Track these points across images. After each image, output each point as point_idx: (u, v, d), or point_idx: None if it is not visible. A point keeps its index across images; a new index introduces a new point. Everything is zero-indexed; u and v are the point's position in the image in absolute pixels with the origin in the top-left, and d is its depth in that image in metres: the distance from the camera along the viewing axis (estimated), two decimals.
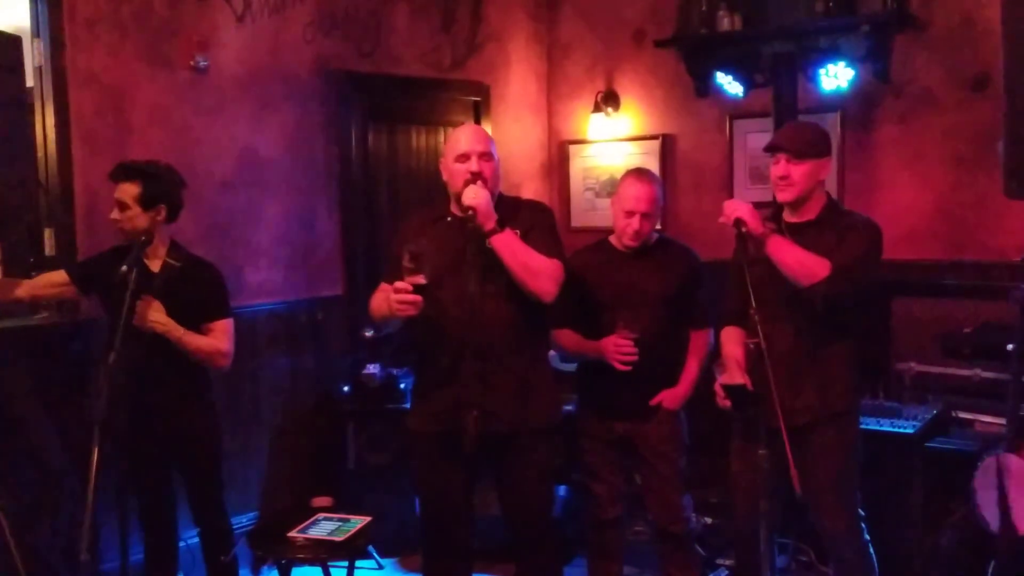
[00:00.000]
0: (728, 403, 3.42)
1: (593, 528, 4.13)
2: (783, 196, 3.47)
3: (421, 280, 3.12)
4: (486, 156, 3.37)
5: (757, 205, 3.47)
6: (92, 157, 4.39)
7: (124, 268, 3.47)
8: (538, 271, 3.29)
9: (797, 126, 3.63)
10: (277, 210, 5.20)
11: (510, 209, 3.44)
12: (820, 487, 3.45)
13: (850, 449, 3.49)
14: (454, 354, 3.29)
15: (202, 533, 4.02)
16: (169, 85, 4.69)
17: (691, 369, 4.01)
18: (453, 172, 3.39)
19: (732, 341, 3.64)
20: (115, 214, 3.78)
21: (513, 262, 3.26)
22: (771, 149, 3.52)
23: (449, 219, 3.42)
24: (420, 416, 3.51)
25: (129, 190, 3.75)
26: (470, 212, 3.21)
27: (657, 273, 3.94)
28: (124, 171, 3.79)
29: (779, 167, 3.45)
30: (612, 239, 4.05)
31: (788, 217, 3.50)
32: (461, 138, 3.43)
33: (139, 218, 3.75)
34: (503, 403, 3.32)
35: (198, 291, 3.83)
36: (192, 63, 4.74)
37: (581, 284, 3.91)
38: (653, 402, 3.94)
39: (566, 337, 3.97)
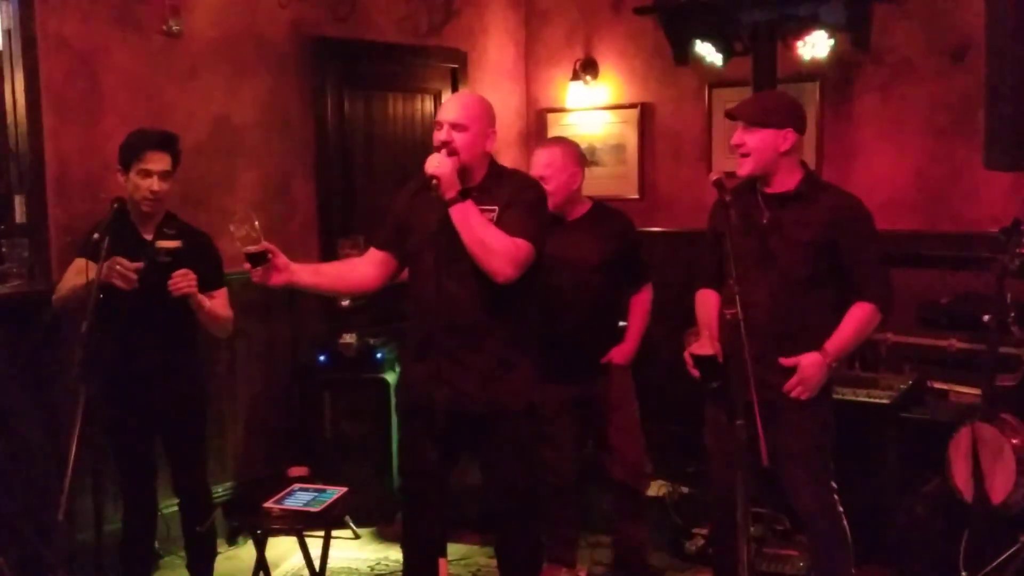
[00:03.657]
0: (697, 373, 3.42)
1: (548, 496, 4.14)
2: (740, 171, 3.44)
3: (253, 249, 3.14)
4: (458, 126, 3.28)
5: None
6: (63, 123, 4.33)
7: (96, 236, 3.41)
8: (493, 249, 3.17)
9: (758, 95, 3.62)
10: (252, 177, 5.15)
11: (492, 181, 3.36)
12: (791, 460, 3.44)
13: (821, 423, 3.48)
14: (427, 329, 3.26)
15: (183, 503, 4.00)
16: (142, 50, 4.62)
17: (635, 326, 4.28)
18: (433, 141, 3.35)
19: (706, 306, 3.64)
20: (155, 185, 3.68)
21: (468, 235, 3.16)
22: (728, 116, 3.52)
23: (432, 192, 3.38)
24: (400, 388, 3.52)
25: (165, 160, 3.71)
26: (434, 182, 3.17)
27: (591, 242, 4.08)
28: (161, 140, 3.72)
29: (735, 134, 3.44)
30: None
31: (764, 188, 3.47)
32: (441, 107, 3.42)
33: (169, 188, 3.74)
34: (477, 384, 3.28)
35: (196, 260, 3.77)
36: (165, 28, 4.67)
37: None
38: (604, 360, 4.17)
39: None
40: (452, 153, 3.24)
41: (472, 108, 3.37)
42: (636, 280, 4.29)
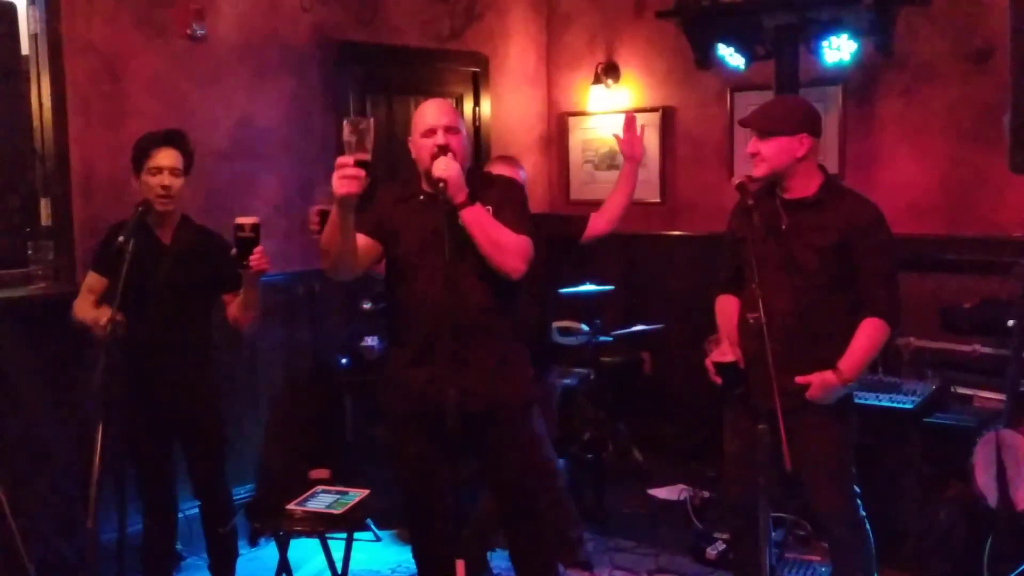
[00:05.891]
0: (719, 380, 3.42)
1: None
2: (755, 172, 3.44)
3: (365, 156, 2.95)
4: (452, 129, 3.30)
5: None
6: (88, 126, 4.36)
7: (121, 239, 3.43)
8: (507, 247, 3.23)
9: (771, 102, 3.59)
10: (274, 180, 5.17)
11: (482, 184, 3.38)
12: (813, 464, 3.43)
13: (843, 427, 3.46)
14: (429, 333, 3.25)
15: (203, 505, 4.01)
16: (165, 54, 4.65)
17: None
18: (420, 147, 3.32)
19: (726, 312, 3.64)
20: (166, 180, 3.69)
21: (483, 237, 3.20)
22: (742, 124, 3.53)
23: (421, 197, 3.36)
24: (395, 395, 3.47)
25: (174, 156, 3.72)
26: (441, 185, 3.15)
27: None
28: (167, 137, 3.74)
29: (750, 143, 3.43)
30: None
31: (783, 193, 3.46)
32: (426, 113, 3.37)
33: (181, 187, 3.75)
34: (481, 382, 3.28)
35: (215, 263, 3.79)
36: (189, 31, 4.70)
37: None
38: None
39: None
40: (453, 156, 3.24)
41: (456, 112, 3.44)
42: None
